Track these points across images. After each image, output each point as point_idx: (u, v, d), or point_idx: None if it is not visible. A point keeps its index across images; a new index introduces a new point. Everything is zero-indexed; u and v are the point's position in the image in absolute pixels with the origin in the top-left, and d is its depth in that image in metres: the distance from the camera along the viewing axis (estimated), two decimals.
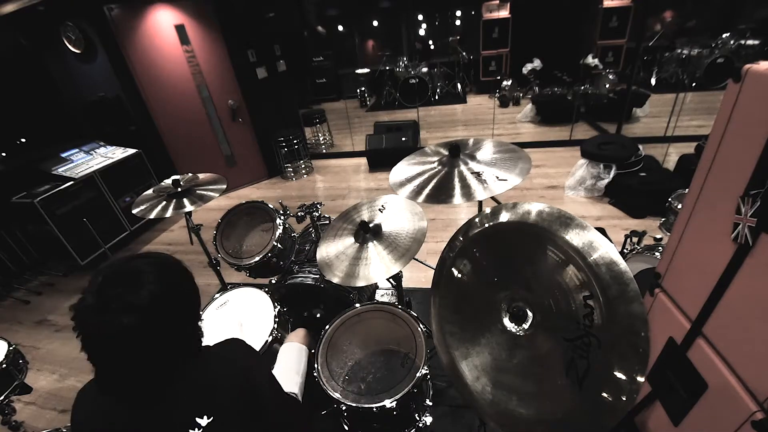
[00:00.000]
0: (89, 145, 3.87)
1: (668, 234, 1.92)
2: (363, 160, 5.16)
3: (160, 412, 0.75)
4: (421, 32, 8.91)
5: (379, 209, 1.68)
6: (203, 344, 0.86)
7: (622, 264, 0.75)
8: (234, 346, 0.92)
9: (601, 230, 2.04)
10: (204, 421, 0.75)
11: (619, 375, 0.73)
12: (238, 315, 1.70)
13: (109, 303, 0.67)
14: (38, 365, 2.54)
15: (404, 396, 1.19)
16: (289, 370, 1.24)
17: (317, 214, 1.93)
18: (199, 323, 0.84)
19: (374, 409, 1.18)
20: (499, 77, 7.08)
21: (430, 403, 1.38)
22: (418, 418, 1.34)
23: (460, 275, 1.05)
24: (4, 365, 1.67)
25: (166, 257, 0.80)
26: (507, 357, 0.93)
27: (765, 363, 0.84)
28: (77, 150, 3.75)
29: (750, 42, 5.65)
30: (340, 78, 8.75)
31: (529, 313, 0.89)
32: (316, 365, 1.32)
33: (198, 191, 2.09)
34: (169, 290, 0.74)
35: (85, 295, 0.69)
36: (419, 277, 2.74)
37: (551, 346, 0.85)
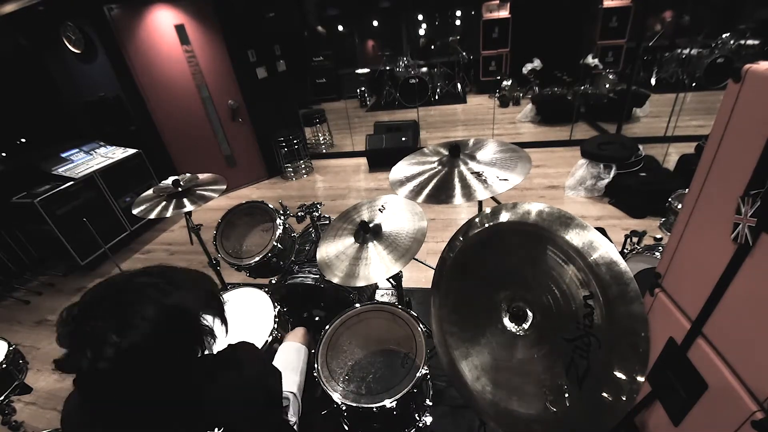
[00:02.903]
0: (89, 145, 3.87)
1: (668, 234, 1.92)
2: (363, 160, 5.16)
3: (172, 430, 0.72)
4: (421, 32, 8.91)
5: (379, 209, 1.68)
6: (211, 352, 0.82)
7: (622, 264, 0.75)
8: (242, 353, 0.91)
9: (601, 230, 2.04)
10: None
11: (619, 375, 0.73)
12: (237, 315, 1.70)
13: (84, 341, 0.58)
14: (38, 365, 2.54)
15: (404, 396, 1.19)
16: (285, 369, 1.24)
17: (317, 214, 1.93)
18: (208, 340, 0.75)
19: (374, 409, 1.18)
20: (499, 77, 7.07)
21: (430, 403, 1.38)
22: (418, 418, 1.34)
23: (460, 275, 1.05)
24: (4, 365, 1.67)
25: (176, 292, 0.67)
26: (507, 357, 0.93)
27: (765, 363, 0.84)
28: (77, 150, 3.74)
29: (750, 42, 5.65)
30: (340, 78, 8.74)
31: (529, 313, 0.89)
32: (316, 365, 1.32)
33: (198, 191, 2.09)
34: (164, 333, 0.64)
35: (59, 325, 0.61)
36: (419, 277, 2.74)
37: (551, 346, 0.85)
